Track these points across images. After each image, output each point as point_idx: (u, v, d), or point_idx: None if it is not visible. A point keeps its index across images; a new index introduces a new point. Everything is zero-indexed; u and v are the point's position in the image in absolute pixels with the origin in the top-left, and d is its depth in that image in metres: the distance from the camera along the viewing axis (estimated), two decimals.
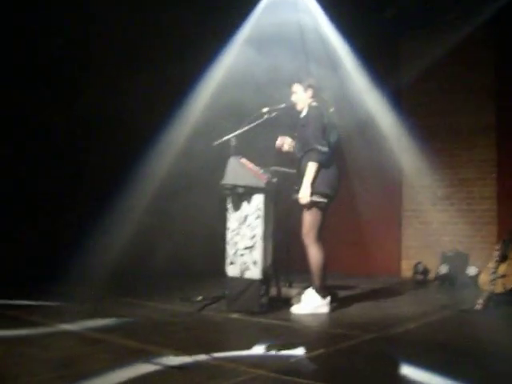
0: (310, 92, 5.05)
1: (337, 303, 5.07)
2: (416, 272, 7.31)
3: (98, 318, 4.45)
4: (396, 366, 3.06)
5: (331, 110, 5.06)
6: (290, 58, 6.98)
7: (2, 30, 6.27)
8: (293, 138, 5.17)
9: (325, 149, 4.80)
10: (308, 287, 5.05)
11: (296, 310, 4.83)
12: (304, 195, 4.75)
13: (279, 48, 7.06)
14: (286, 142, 5.18)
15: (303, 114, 5.08)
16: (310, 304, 4.81)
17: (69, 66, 6.98)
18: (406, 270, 7.90)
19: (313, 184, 4.78)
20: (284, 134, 5.23)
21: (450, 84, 7.78)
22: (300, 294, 5.17)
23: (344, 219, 7.50)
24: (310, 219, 4.83)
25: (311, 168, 4.77)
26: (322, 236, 4.88)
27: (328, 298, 4.88)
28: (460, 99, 7.71)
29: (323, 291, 4.86)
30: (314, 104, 5.02)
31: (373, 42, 7.79)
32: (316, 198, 4.79)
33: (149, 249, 7.14)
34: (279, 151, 5.23)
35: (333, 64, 7.49)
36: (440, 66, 7.54)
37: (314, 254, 4.83)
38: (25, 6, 6.48)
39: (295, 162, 5.08)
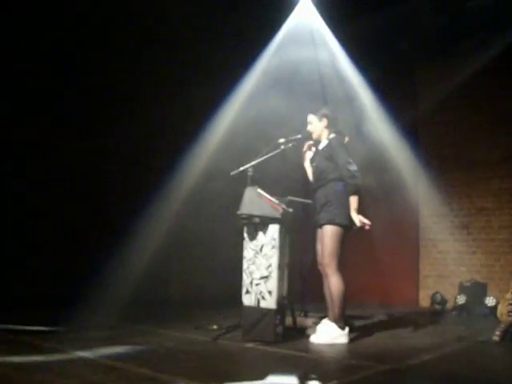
0: (324, 122, 5.12)
1: (353, 334, 5.04)
2: (433, 302, 7.25)
3: (112, 345, 4.48)
4: None
5: (346, 139, 5.12)
6: (306, 88, 7.06)
7: None
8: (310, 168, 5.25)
9: (359, 174, 4.85)
10: (323, 317, 5.04)
11: (314, 340, 4.80)
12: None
13: (295, 82, 7.15)
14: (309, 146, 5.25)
15: (322, 145, 5.14)
16: (329, 334, 4.79)
17: (90, 96, 7.14)
18: (424, 299, 7.84)
19: (334, 212, 4.83)
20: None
21: (467, 114, 7.80)
22: (315, 323, 5.17)
23: (362, 249, 7.48)
24: (332, 249, 4.83)
25: (356, 200, 4.82)
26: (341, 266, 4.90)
27: (347, 329, 4.85)
28: (476, 129, 7.71)
29: (342, 321, 4.84)
30: (332, 135, 5.08)
31: (388, 74, 7.85)
32: (338, 227, 4.82)
33: (164, 277, 7.18)
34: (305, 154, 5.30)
35: (348, 96, 7.56)
36: (456, 97, 7.57)
37: (335, 283, 4.81)
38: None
39: (311, 193, 5.14)
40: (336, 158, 4.94)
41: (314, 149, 5.28)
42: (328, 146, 5.08)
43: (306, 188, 5.51)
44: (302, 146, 5.30)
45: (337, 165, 4.92)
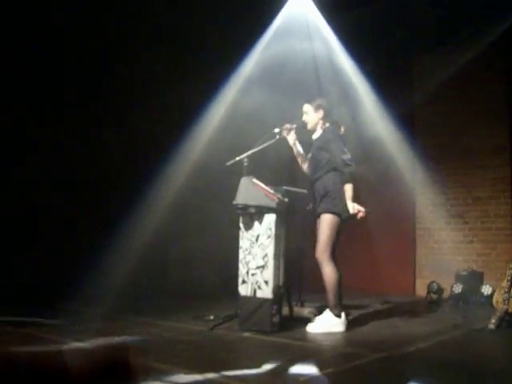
0: (320, 112, 5.12)
1: (350, 322, 5.07)
2: (430, 291, 7.27)
3: (110, 336, 4.50)
4: None
5: (342, 130, 5.14)
6: (301, 79, 7.07)
7: None
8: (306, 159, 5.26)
9: (353, 163, 4.87)
10: (320, 306, 5.06)
11: (311, 329, 4.83)
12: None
13: (289, 73, 7.15)
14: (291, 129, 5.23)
15: (316, 135, 5.16)
16: (325, 323, 4.81)
17: (80, 85, 7.13)
18: (420, 289, 7.87)
19: (333, 203, 4.85)
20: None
21: (462, 104, 7.81)
22: (312, 312, 5.20)
23: (358, 239, 7.52)
24: (326, 237, 4.86)
25: (350, 188, 4.83)
26: (336, 255, 4.92)
27: (343, 317, 4.87)
28: (472, 119, 7.72)
29: (338, 310, 4.86)
30: (328, 125, 5.10)
31: (384, 65, 7.84)
32: (336, 216, 4.85)
33: (161, 268, 7.19)
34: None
35: (344, 87, 7.56)
36: (452, 87, 7.59)
37: (329, 272, 4.83)
38: None
39: (308, 183, 5.16)
40: (330, 148, 4.96)
41: (293, 133, 5.24)
42: (322, 136, 5.09)
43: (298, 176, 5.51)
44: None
45: (332, 155, 4.94)
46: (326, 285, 4.86)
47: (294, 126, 5.21)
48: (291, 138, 5.23)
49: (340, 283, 4.86)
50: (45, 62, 6.70)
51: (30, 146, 6.73)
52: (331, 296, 4.84)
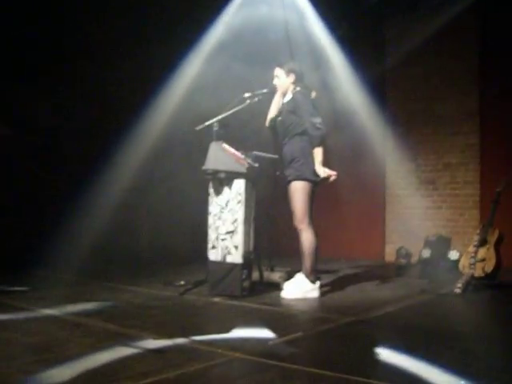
0: (292, 77, 5.04)
1: (320, 287, 5.10)
2: (399, 256, 7.34)
3: (79, 302, 4.48)
4: (371, 348, 3.11)
5: (313, 94, 5.07)
6: (272, 44, 6.98)
7: None
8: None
9: (323, 126, 4.82)
10: (290, 271, 5.08)
11: (286, 294, 4.83)
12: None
13: (260, 34, 7.04)
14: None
15: (287, 99, 5.09)
16: (300, 289, 4.81)
17: (51, 52, 6.95)
18: (389, 254, 7.95)
19: (301, 169, 4.82)
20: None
21: (434, 70, 7.78)
22: (282, 277, 5.21)
23: (327, 204, 7.51)
24: (302, 205, 4.81)
25: (320, 152, 4.79)
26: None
27: (318, 283, 4.90)
28: (444, 85, 7.72)
29: (313, 276, 4.87)
30: (298, 89, 5.02)
31: (356, 28, 7.75)
32: (306, 182, 4.82)
33: (132, 234, 7.16)
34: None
35: (315, 51, 7.48)
36: (424, 52, 7.56)
37: (308, 238, 4.81)
38: None
39: (277, 147, 5.11)
40: (299, 111, 4.89)
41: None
42: (292, 99, 5.00)
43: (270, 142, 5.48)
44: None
45: (301, 118, 4.89)
46: (303, 251, 4.83)
47: (265, 90, 5.15)
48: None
49: (317, 249, 4.85)
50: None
51: None
52: (308, 262, 4.82)
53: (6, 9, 6.42)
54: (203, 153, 4.88)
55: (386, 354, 3.01)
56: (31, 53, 6.80)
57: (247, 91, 5.16)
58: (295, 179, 4.84)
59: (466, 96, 7.55)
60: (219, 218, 4.84)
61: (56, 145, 7.10)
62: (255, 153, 4.97)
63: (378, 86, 7.95)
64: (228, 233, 4.77)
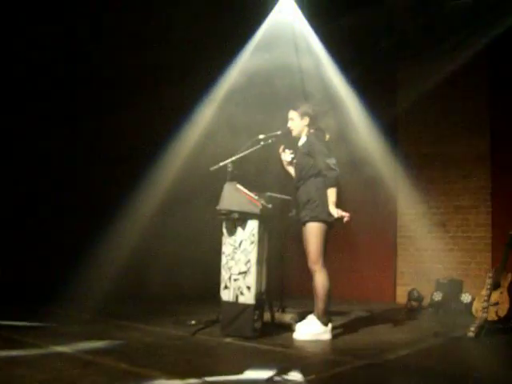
0: (306, 119, 5.11)
1: (332, 330, 5.07)
2: (410, 298, 7.31)
3: (90, 340, 4.47)
4: None
5: (327, 137, 5.14)
6: (286, 87, 7.09)
7: None
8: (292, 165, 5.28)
9: (337, 167, 4.87)
10: (302, 312, 5.06)
11: (298, 336, 4.80)
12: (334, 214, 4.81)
13: (274, 77, 7.17)
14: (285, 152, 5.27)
15: (302, 142, 5.16)
16: (313, 330, 4.79)
17: (67, 86, 7.11)
18: (401, 296, 7.91)
19: (317, 210, 4.85)
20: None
21: (445, 113, 7.88)
22: (294, 319, 5.19)
23: (340, 246, 7.52)
24: (317, 246, 4.84)
25: (334, 193, 4.83)
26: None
27: (330, 325, 4.87)
28: (455, 128, 7.80)
29: (326, 318, 4.85)
30: (312, 131, 5.10)
31: (369, 73, 7.86)
32: (322, 224, 4.85)
33: (143, 272, 7.16)
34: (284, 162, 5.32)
35: (329, 94, 7.58)
36: (435, 96, 7.64)
37: (322, 280, 4.81)
38: None
39: (292, 189, 5.16)
40: (314, 153, 4.96)
41: (287, 150, 5.29)
42: (307, 142, 5.08)
43: (285, 183, 5.52)
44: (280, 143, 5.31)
45: (315, 159, 4.95)
46: (316, 293, 4.83)
47: (279, 132, 5.22)
48: (284, 157, 5.27)
49: (330, 291, 4.85)
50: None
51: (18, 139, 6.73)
52: (321, 304, 4.81)
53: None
54: (217, 193, 4.93)
55: None
56: (44, 104, 6.94)
57: (261, 133, 5.23)
58: (311, 220, 4.87)
59: (477, 139, 7.61)
60: (232, 258, 4.85)
61: (73, 185, 7.19)
62: (269, 194, 5.01)
63: (390, 129, 8.03)
64: (241, 273, 4.78)
